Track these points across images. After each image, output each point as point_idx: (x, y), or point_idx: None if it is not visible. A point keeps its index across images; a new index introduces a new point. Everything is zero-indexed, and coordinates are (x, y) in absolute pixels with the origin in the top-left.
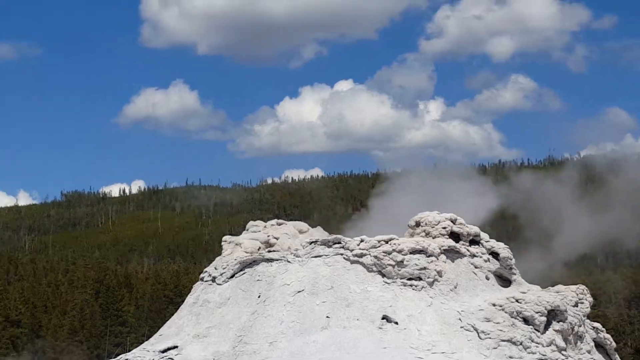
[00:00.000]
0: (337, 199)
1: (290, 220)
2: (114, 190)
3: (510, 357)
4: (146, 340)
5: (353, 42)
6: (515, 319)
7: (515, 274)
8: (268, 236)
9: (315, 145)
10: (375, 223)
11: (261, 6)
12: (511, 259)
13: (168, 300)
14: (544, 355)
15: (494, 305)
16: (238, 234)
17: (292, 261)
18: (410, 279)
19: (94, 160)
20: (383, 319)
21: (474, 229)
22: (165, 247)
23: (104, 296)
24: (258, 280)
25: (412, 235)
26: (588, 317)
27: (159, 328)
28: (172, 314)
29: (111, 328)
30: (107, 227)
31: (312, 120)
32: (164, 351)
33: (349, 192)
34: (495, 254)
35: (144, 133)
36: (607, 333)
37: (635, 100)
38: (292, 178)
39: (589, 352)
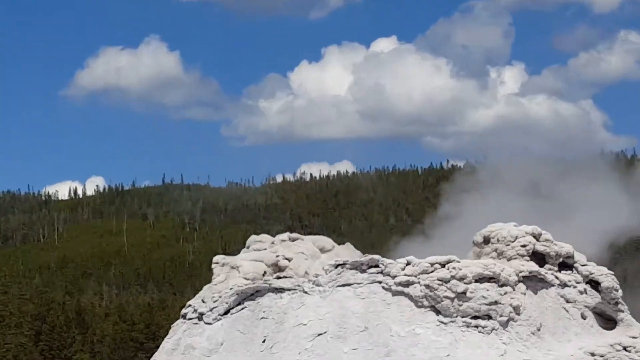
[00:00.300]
0: (373, 205)
1: (309, 234)
2: (62, 190)
3: None
4: None
5: None
6: None
7: (622, 312)
8: (277, 256)
9: (343, 128)
10: (434, 242)
11: None
12: (617, 291)
13: (137, 346)
14: None
15: (592, 355)
16: (235, 252)
17: (310, 292)
18: (475, 318)
19: (34, 149)
20: None
21: (566, 248)
22: (133, 270)
23: (47, 339)
24: (263, 318)
25: (478, 256)
26: None
27: None
28: None
29: None
30: (51, 241)
31: (339, 94)
32: None
33: (391, 194)
34: (594, 283)
35: (103, 110)
36: None
37: None
38: (310, 175)
39: None
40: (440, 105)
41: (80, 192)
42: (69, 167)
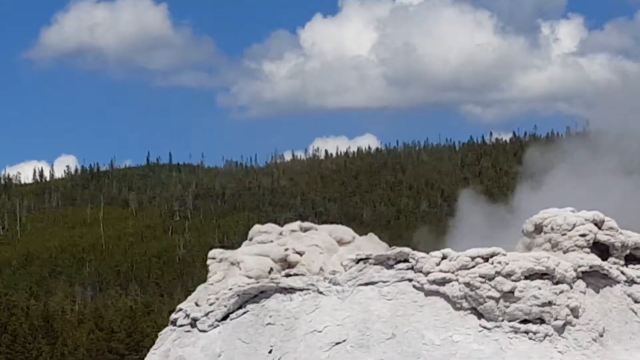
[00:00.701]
0: (402, 187)
1: (324, 223)
2: (25, 172)
3: None
4: None
5: None
6: None
7: None
8: (286, 250)
9: (366, 96)
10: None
11: None
12: None
13: (116, 359)
14: None
15: None
16: (236, 246)
17: (326, 292)
18: (525, 322)
19: None
20: None
21: (634, 238)
22: (111, 268)
23: (7, 351)
24: (270, 324)
25: (528, 248)
26: None
27: None
28: None
29: None
30: (12, 234)
31: (361, 54)
32: None
33: (423, 174)
34: None
35: (75, 76)
36: None
37: None
38: (326, 152)
39: None
40: (482, 67)
41: (47, 174)
42: (33, 145)
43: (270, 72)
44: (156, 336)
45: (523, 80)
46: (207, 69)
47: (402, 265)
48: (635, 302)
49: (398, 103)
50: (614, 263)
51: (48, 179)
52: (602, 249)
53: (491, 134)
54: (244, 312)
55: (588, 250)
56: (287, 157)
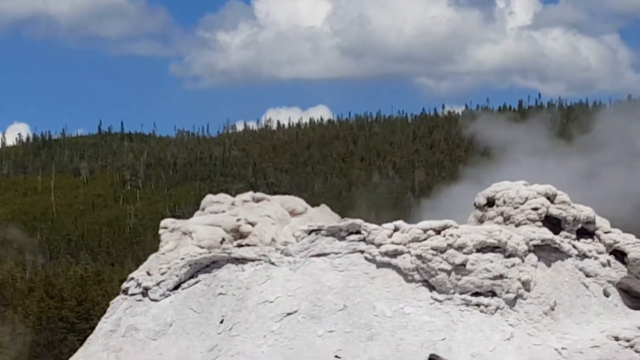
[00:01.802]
0: (354, 158)
1: (276, 193)
2: None
3: None
4: None
5: None
6: None
7: None
8: (238, 220)
9: (319, 67)
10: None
11: None
12: None
13: (67, 327)
14: None
15: (616, 339)
16: (187, 215)
17: (278, 263)
18: (476, 295)
19: None
20: None
21: (586, 212)
22: (62, 236)
23: None
24: (221, 294)
25: (480, 221)
26: None
27: None
28: (74, 350)
29: None
30: None
31: (315, 25)
32: None
33: (376, 146)
34: (620, 254)
35: (27, 43)
36: None
37: None
38: (278, 123)
39: None
40: (436, 40)
41: None
42: None
43: (224, 42)
44: (107, 305)
45: (477, 53)
46: (161, 38)
47: (354, 237)
48: (587, 276)
49: (352, 74)
50: (566, 237)
51: (0, 146)
52: (554, 223)
53: (444, 106)
54: (196, 282)
55: (540, 224)
56: (239, 127)
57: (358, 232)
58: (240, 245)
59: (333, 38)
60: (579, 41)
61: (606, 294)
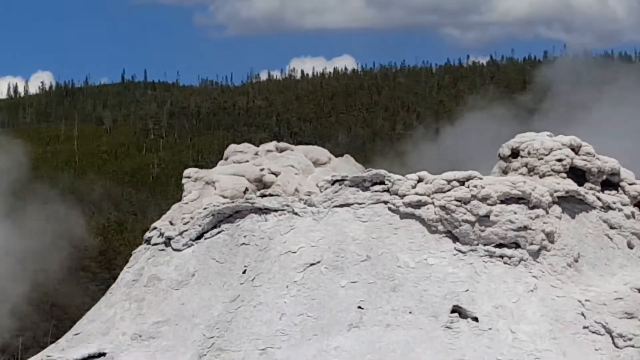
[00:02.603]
0: (379, 108)
1: (299, 143)
2: (0, 88)
3: None
4: (51, 342)
5: None
6: None
7: None
8: (262, 170)
9: (345, 16)
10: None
11: None
12: None
13: (89, 277)
14: None
15: None
16: (211, 165)
17: (301, 213)
18: (500, 246)
19: None
20: (454, 312)
21: (610, 163)
22: (85, 185)
23: None
24: (244, 244)
25: (504, 172)
26: None
27: (74, 322)
28: (97, 300)
29: None
30: None
31: None
32: None
33: (400, 96)
34: None
35: None
36: None
37: None
38: (302, 72)
39: None
40: None
41: (22, 90)
42: (9, 60)
43: None
44: (129, 254)
45: (503, 4)
46: None
47: (377, 187)
48: (611, 228)
49: (377, 24)
50: (590, 189)
51: (23, 94)
52: (578, 174)
53: (468, 57)
54: (219, 232)
55: (564, 175)
56: (263, 77)
57: (382, 183)
58: (263, 195)
59: None
60: None
61: (630, 246)
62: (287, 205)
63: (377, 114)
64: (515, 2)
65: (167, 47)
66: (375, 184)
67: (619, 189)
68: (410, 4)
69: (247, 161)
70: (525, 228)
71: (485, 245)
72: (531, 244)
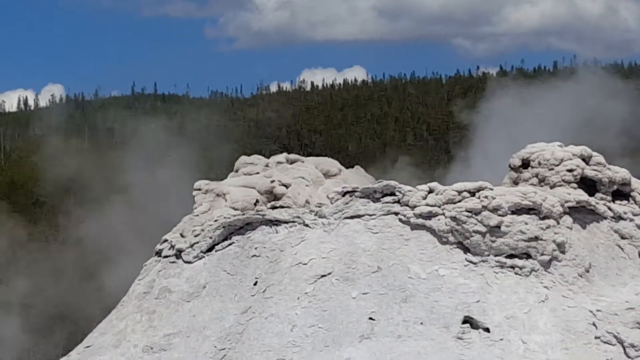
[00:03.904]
0: (389, 119)
1: (310, 155)
2: (10, 100)
3: None
4: (63, 355)
5: None
6: None
7: None
8: (272, 181)
9: (356, 28)
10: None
11: None
12: None
13: (100, 289)
14: None
15: None
16: (221, 177)
17: (312, 224)
18: (511, 257)
19: None
20: (465, 323)
21: (621, 174)
22: (94, 197)
23: None
24: (255, 256)
25: (515, 182)
26: None
27: (85, 334)
28: (107, 312)
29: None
30: None
31: None
32: None
33: (411, 107)
34: None
35: (62, 4)
36: None
37: None
38: (312, 84)
39: None
40: (473, 0)
41: (32, 103)
42: (20, 72)
43: (259, 3)
44: (141, 267)
45: (515, 14)
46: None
47: (388, 198)
48: (622, 238)
49: (388, 35)
50: (601, 199)
51: (33, 107)
52: (589, 185)
53: (478, 67)
54: (230, 244)
55: (575, 185)
56: (273, 88)
57: (392, 194)
58: (274, 207)
59: None
60: (617, 2)
61: None
62: (298, 217)
63: (387, 125)
64: (526, 13)
65: (177, 60)
66: (385, 195)
67: (630, 199)
68: (421, 15)
69: (257, 173)
70: (536, 238)
71: (496, 255)
72: (542, 254)
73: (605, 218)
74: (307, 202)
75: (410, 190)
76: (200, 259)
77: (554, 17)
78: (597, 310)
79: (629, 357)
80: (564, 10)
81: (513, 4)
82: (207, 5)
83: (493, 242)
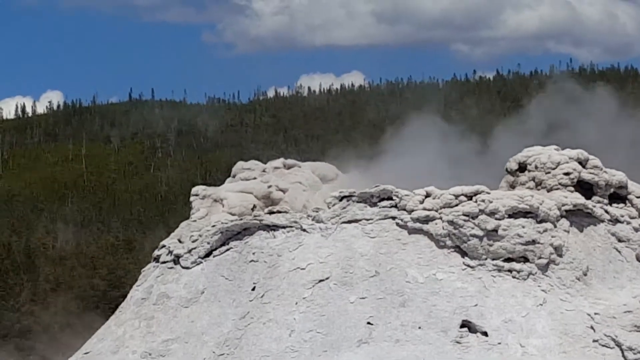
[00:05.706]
0: (386, 124)
1: (308, 160)
2: (8, 107)
3: None
4: None
5: None
6: None
7: None
8: (269, 186)
9: (354, 33)
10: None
11: None
12: None
13: (98, 295)
14: None
15: None
16: (218, 182)
17: (309, 229)
18: (509, 260)
19: None
20: (463, 327)
21: (618, 177)
22: (93, 204)
23: None
24: (252, 261)
25: (512, 186)
26: None
27: (84, 341)
28: (106, 318)
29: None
30: None
31: None
32: None
33: (405, 112)
34: None
35: (59, 11)
36: None
37: None
38: (309, 89)
39: None
40: (472, 5)
41: (30, 109)
42: (18, 79)
43: (258, 9)
44: (138, 273)
45: (513, 19)
46: (193, 5)
47: (385, 203)
48: (619, 241)
49: (387, 40)
50: (598, 202)
51: (31, 114)
52: (586, 188)
53: (474, 72)
54: (227, 249)
55: (572, 189)
56: (270, 94)
57: (389, 198)
58: (271, 212)
59: (368, 3)
60: (616, 6)
61: (639, 259)
62: (295, 222)
63: (384, 130)
64: (525, 17)
65: (175, 65)
66: (383, 199)
67: (627, 202)
68: (420, 20)
69: (254, 178)
70: (533, 242)
71: (493, 259)
72: (540, 257)
73: (602, 221)
74: (305, 207)
75: (407, 195)
76: (198, 264)
77: (553, 21)
78: (595, 314)
79: (626, 359)
80: (563, 14)
81: (512, 8)
82: (206, 11)
83: (490, 245)
